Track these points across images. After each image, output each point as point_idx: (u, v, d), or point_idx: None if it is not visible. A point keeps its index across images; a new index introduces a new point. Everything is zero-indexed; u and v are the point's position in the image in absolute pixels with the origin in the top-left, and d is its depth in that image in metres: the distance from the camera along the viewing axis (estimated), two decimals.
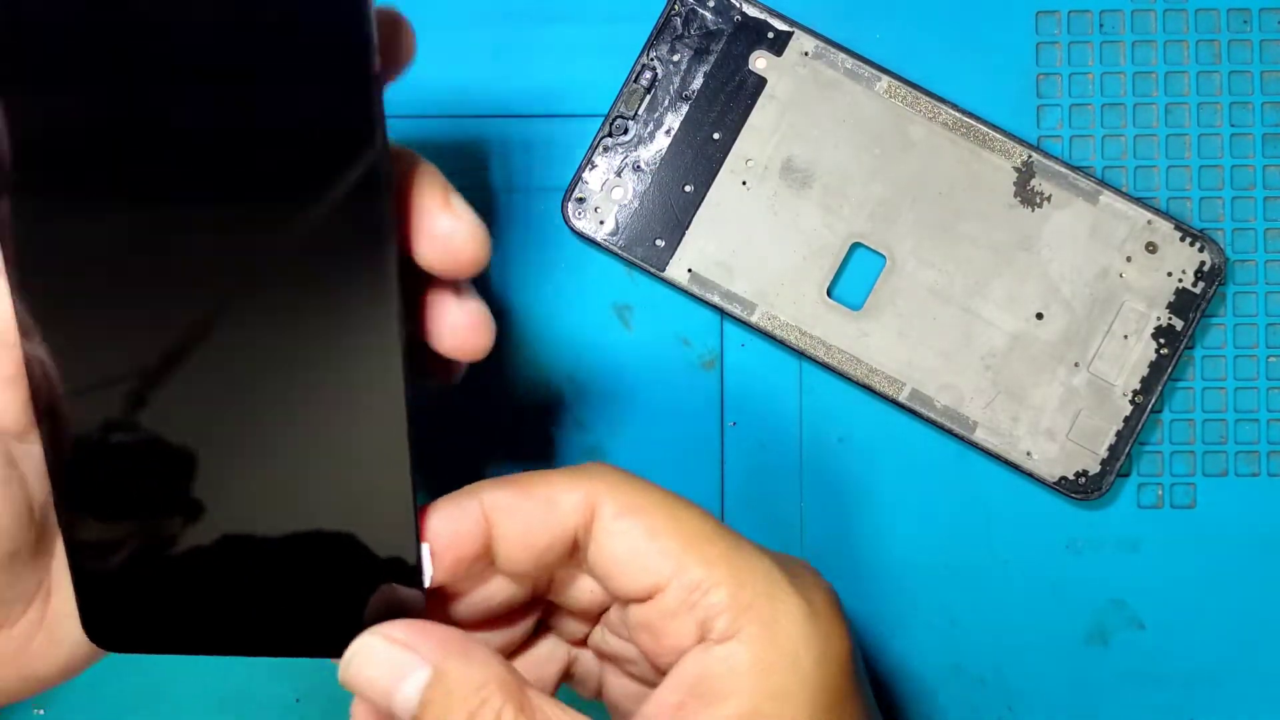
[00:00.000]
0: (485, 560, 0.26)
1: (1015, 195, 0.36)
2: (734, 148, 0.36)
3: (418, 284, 0.26)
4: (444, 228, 0.24)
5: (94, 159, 0.22)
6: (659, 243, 0.36)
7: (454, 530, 0.25)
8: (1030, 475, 0.35)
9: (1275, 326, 0.36)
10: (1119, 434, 0.35)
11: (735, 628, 0.25)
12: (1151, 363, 0.35)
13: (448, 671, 0.24)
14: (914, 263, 0.36)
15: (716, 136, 0.36)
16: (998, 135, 0.36)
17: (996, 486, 0.36)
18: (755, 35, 0.36)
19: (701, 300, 0.36)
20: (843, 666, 0.25)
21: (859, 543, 0.36)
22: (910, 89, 0.36)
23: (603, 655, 0.29)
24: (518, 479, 0.26)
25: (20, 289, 0.23)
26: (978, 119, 0.36)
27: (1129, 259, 0.35)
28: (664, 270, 0.36)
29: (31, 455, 0.25)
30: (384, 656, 0.25)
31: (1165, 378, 0.35)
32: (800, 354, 0.36)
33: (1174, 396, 0.36)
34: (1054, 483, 0.35)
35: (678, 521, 0.25)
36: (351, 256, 0.23)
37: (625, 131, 0.36)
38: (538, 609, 0.29)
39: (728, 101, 0.36)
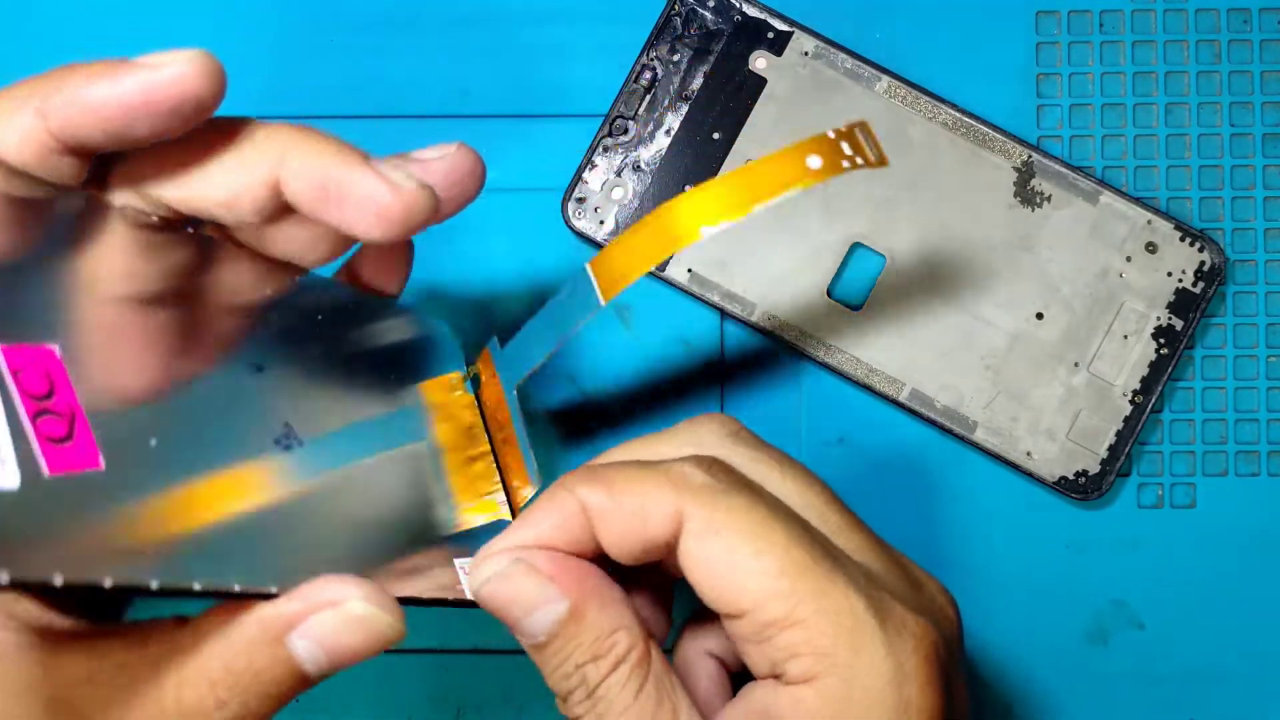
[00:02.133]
0: (595, 550, 0.26)
1: (1015, 195, 0.36)
2: (734, 148, 0.36)
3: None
4: (366, 189, 0.24)
5: None
6: None
7: (561, 536, 0.25)
8: (1030, 475, 0.35)
9: (1275, 326, 0.36)
10: (1119, 434, 0.35)
11: (810, 673, 0.23)
12: (1151, 363, 0.35)
13: (585, 612, 0.24)
14: (914, 263, 0.36)
15: (716, 136, 0.36)
16: (998, 135, 0.36)
17: (996, 486, 0.36)
18: (755, 35, 0.36)
19: (701, 300, 0.36)
20: None
21: None
22: (910, 89, 0.36)
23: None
24: (612, 475, 0.25)
25: None
26: (978, 119, 0.36)
27: (1129, 259, 0.35)
28: (664, 270, 0.36)
29: None
30: (524, 582, 0.25)
31: (1165, 378, 0.35)
32: (800, 354, 0.36)
33: (1174, 396, 0.36)
34: (1054, 483, 0.35)
35: (762, 549, 0.24)
36: None
37: (625, 131, 0.36)
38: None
39: (728, 101, 0.36)
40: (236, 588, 0.22)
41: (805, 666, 0.23)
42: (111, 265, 0.23)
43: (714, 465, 0.25)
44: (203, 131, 0.24)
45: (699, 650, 0.28)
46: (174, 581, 0.21)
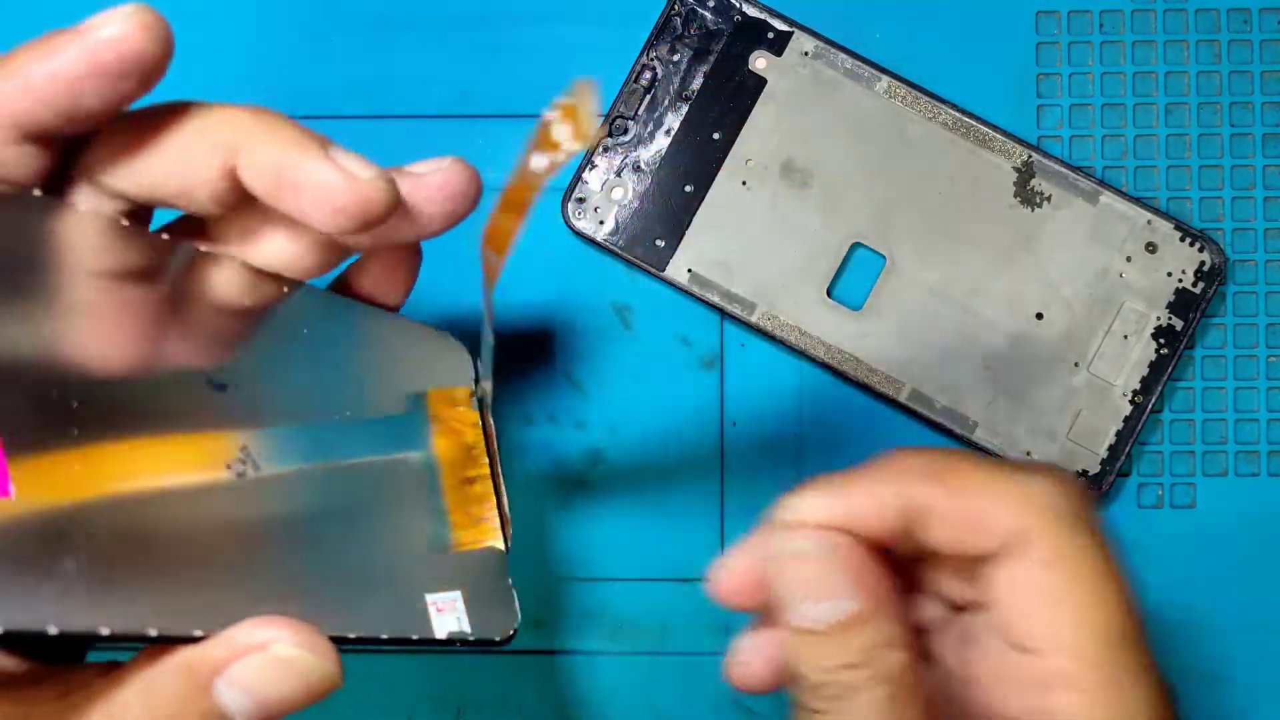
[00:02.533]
0: (891, 538, 0.24)
1: (1015, 195, 0.36)
2: (734, 148, 0.36)
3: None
4: (318, 176, 0.22)
5: None
6: (659, 243, 0.36)
7: (872, 514, 0.24)
8: None
9: (1275, 326, 0.36)
10: (1119, 434, 0.35)
11: None
12: (1151, 363, 0.35)
13: (871, 619, 0.23)
14: (914, 263, 0.36)
15: (716, 136, 0.36)
16: (998, 135, 0.36)
17: None
18: (755, 35, 0.36)
19: (701, 300, 0.36)
20: None
21: None
22: (910, 89, 0.36)
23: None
24: (954, 472, 0.23)
25: None
26: (978, 119, 0.36)
27: (1129, 259, 0.35)
28: (664, 270, 0.36)
29: None
30: (826, 572, 0.23)
31: (1165, 378, 0.35)
32: (800, 354, 0.36)
33: (1174, 396, 0.36)
34: None
35: (1096, 602, 0.23)
36: None
37: (625, 131, 0.36)
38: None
39: (728, 101, 0.36)
40: (153, 632, 0.20)
41: None
42: (83, 252, 0.22)
43: (1069, 488, 0.24)
44: (156, 116, 0.23)
45: None
46: (76, 626, 0.19)
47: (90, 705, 0.20)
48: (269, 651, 0.20)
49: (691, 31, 0.36)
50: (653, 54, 0.36)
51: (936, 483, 0.23)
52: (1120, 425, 0.35)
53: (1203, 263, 0.35)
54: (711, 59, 0.36)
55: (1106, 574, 0.23)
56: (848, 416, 0.36)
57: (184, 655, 0.20)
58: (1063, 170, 0.35)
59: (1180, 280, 0.35)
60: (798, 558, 0.23)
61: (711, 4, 0.36)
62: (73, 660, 0.23)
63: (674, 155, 0.36)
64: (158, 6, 0.37)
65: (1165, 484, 0.36)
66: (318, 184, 0.22)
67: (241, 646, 0.20)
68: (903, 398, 0.35)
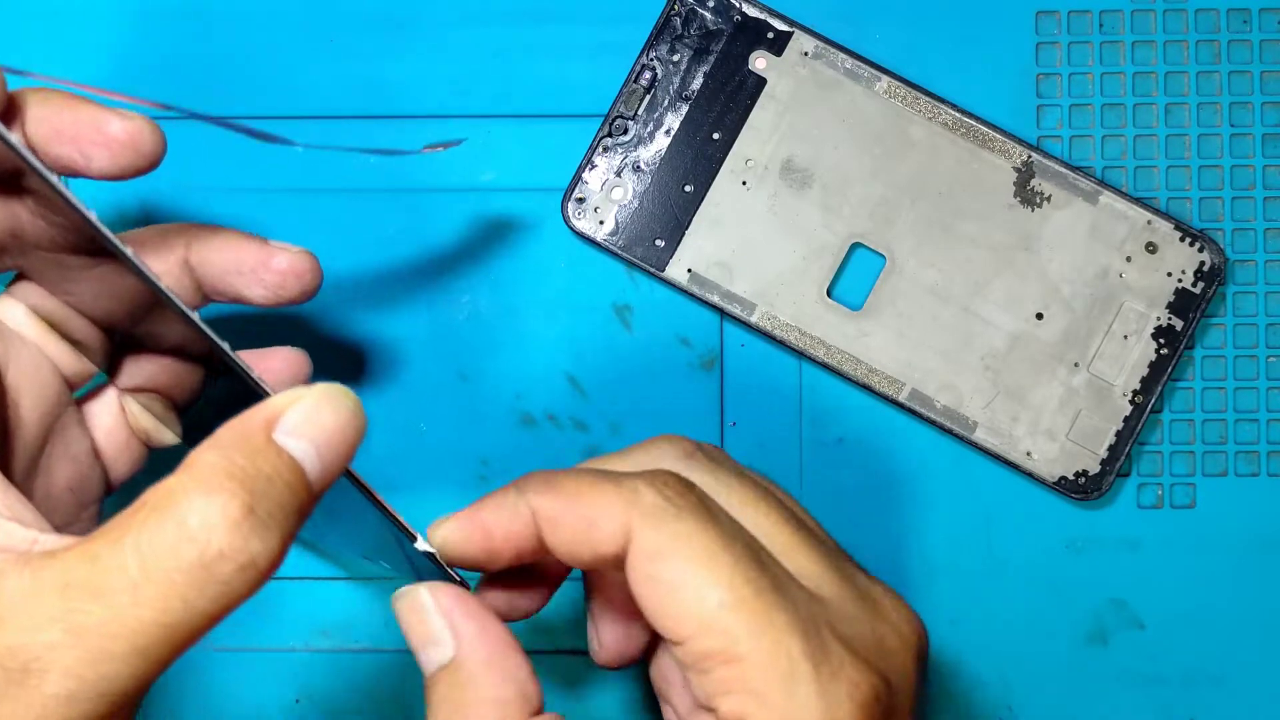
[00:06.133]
0: (541, 551, 0.25)
1: (1015, 195, 0.36)
2: (734, 148, 0.36)
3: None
4: (279, 263, 0.28)
5: None
6: (659, 243, 0.36)
7: (505, 530, 0.25)
8: (1030, 475, 0.35)
9: (1275, 326, 0.36)
10: (1119, 434, 0.35)
11: (741, 712, 0.23)
12: (1151, 363, 0.35)
13: (465, 667, 0.24)
14: (914, 263, 0.36)
15: (716, 136, 0.36)
16: (998, 135, 0.36)
17: (996, 486, 0.36)
18: (755, 35, 0.36)
19: (701, 300, 0.36)
20: None
21: (859, 543, 0.36)
22: (910, 89, 0.36)
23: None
24: (564, 482, 0.25)
25: None
26: (978, 119, 0.36)
27: (1129, 259, 0.35)
28: (664, 270, 0.36)
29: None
30: (423, 615, 0.25)
31: (1165, 378, 0.35)
32: (800, 354, 0.36)
33: (1174, 396, 0.36)
34: (1054, 483, 0.35)
35: (706, 580, 0.24)
36: None
37: (625, 131, 0.36)
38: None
39: (728, 101, 0.36)
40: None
41: (737, 704, 0.23)
42: None
43: (669, 483, 0.25)
44: None
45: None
46: None
47: (179, 482, 0.20)
48: (311, 393, 0.22)
49: (691, 31, 0.36)
50: (653, 54, 0.36)
51: (551, 493, 0.25)
52: (1120, 425, 0.35)
53: (1203, 263, 0.35)
54: (711, 59, 0.36)
55: (711, 547, 0.24)
56: (848, 416, 0.36)
57: (239, 421, 0.21)
58: (1063, 170, 0.35)
59: (1180, 280, 0.35)
60: (399, 601, 0.25)
61: (711, 4, 0.36)
62: None
63: (674, 155, 0.36)
64: (158, 5, 0.37)
65: (1165, 484, 0.36)
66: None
67: (286, 399, 0.21)
68: (903, 398, 0.35)
